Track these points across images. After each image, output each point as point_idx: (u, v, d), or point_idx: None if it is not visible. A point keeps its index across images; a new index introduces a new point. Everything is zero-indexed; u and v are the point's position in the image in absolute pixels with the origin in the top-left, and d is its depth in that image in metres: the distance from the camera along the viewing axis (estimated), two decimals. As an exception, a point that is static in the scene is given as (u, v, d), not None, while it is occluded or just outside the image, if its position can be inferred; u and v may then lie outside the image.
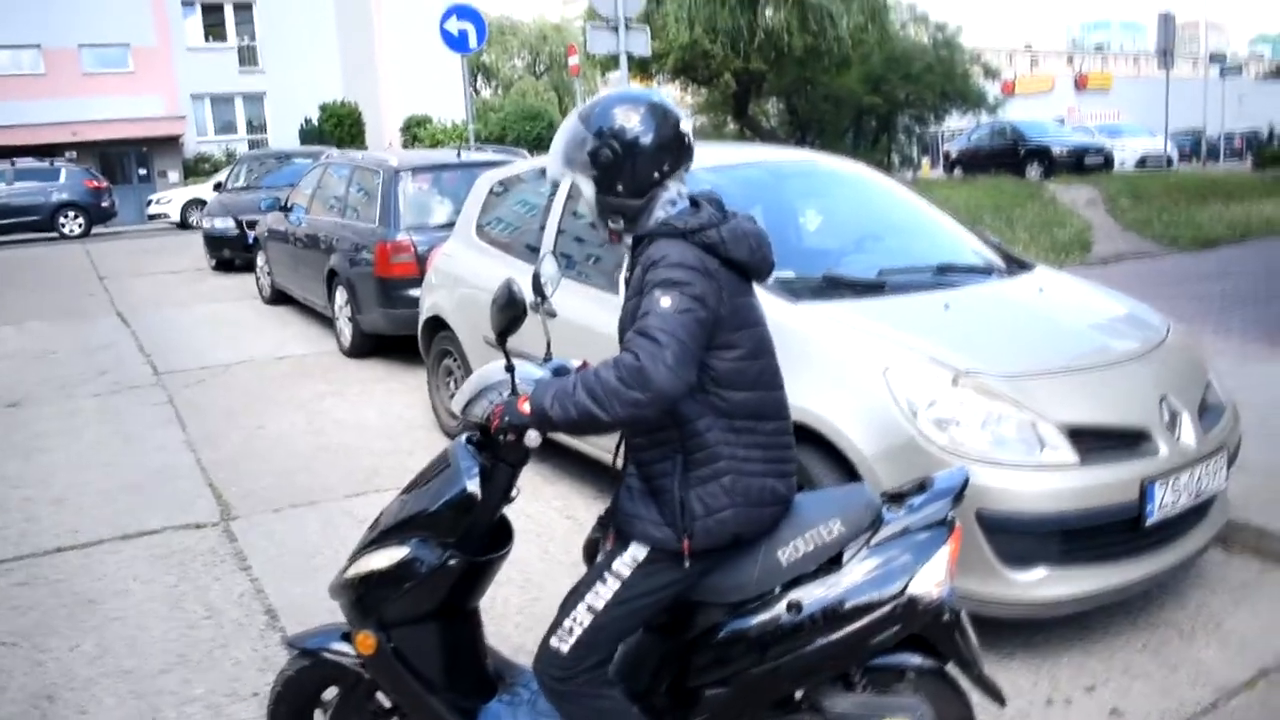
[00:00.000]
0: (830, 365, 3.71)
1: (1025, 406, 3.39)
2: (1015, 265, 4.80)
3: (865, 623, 2.29)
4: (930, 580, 2.30)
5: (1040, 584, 3.33)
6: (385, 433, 6.46)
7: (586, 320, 4.74)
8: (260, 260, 11.62)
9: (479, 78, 50.55)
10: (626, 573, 2.31)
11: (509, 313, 2.44)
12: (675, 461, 2.29)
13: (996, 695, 2.42)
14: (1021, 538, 3.29)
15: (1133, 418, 3.54)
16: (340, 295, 8.73)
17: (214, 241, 14.39)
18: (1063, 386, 3.56)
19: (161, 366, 8.58)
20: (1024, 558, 3.31)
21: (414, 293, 7.18)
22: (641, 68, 22.43)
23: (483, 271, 5.78)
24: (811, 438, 3.60)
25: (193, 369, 8.44)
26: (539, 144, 31.65)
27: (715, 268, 2.21)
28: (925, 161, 35.16)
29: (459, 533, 2.45)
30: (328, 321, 9.39)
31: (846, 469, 3.49)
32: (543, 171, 5.74)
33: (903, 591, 2.29)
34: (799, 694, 2.43)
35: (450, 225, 7.05)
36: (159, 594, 4.24)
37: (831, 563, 2.35)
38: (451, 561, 2.45)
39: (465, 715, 2.57)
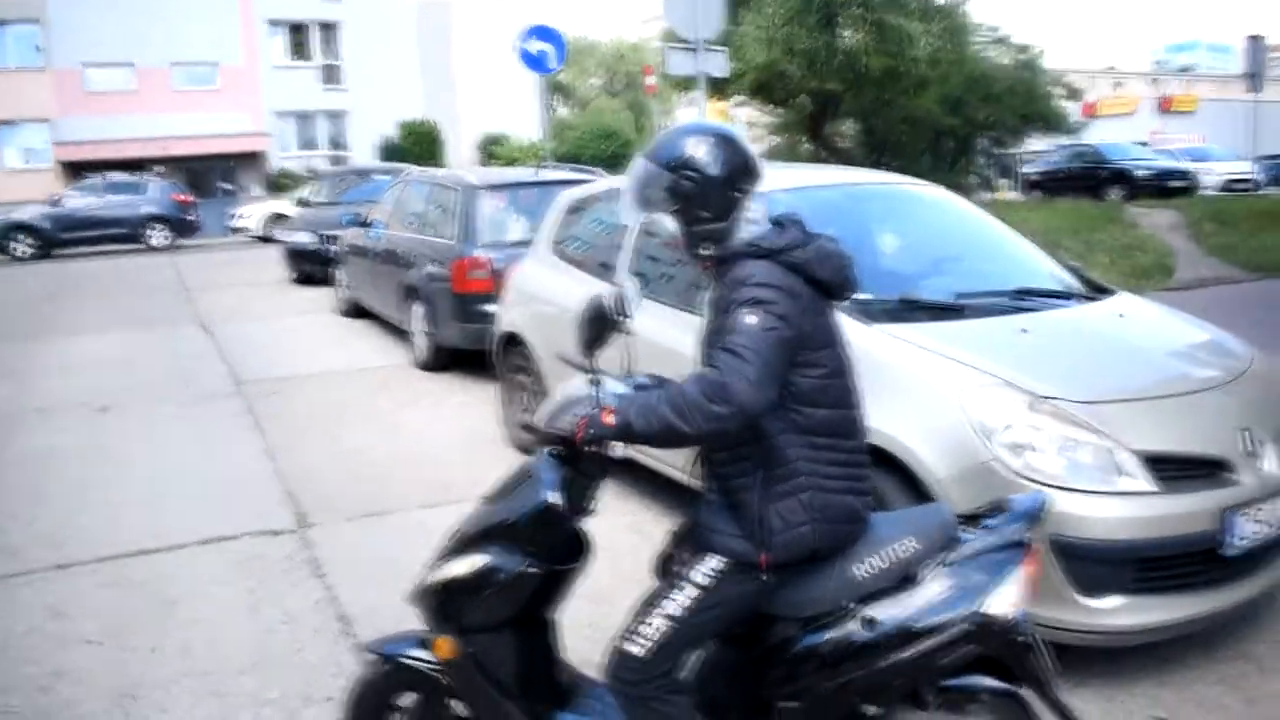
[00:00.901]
0: (905, 388, 3.68)
1: (1102, 433, 3.34)
2: (1094, 290, 4.73)
3: (938, 641, 2.30)
4: (1005, 601, 2.30)
5: (1115, 612, 3.27)
6: (457, 445, 6.55)
7: (662, 339, 4.75)
8: (340, 274, 11.86)
9: (555, 96, 51.12)
10: (705, 582, 2.35)
11: (597, 327, 2.50)
12: (755, 476, 2.33)
13: (1070, 718, 2.39)
14: (1097, 565, 3.24)
15: (1213, 447, 3.47)
16: (417, 309, 8.87)
17: (295, 255, 14.71)
18: (1141, 414, 3.50)
19: (242, 376, 8.80)
20: (1099, 585, 3.26)
21: (489, 308, 7.26)
22: (717, 88, 22.48)
23: (559, 289, 5.84)
24: (884, 460, 3.59)
25: (272, 379, 8.64)
26: (614, 162, 31.86)
27: (800, 287, 2.28)
28: (1004, 184, 34.69)
29: (538, 543, 2.50)
30: (403, 335, 9.55)
31: (919, 493, 3.46)
32: (619, 191, 5.83)
33: (976, 611, 2.29)
34: (871, 710, 2.43)
35: (526, 243, 7.14)
36: (238, 598, 4.35)
37: (906, 580, 2.36)
38: (531, 570, 2.50)
39: None
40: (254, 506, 5.47)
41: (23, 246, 24.35)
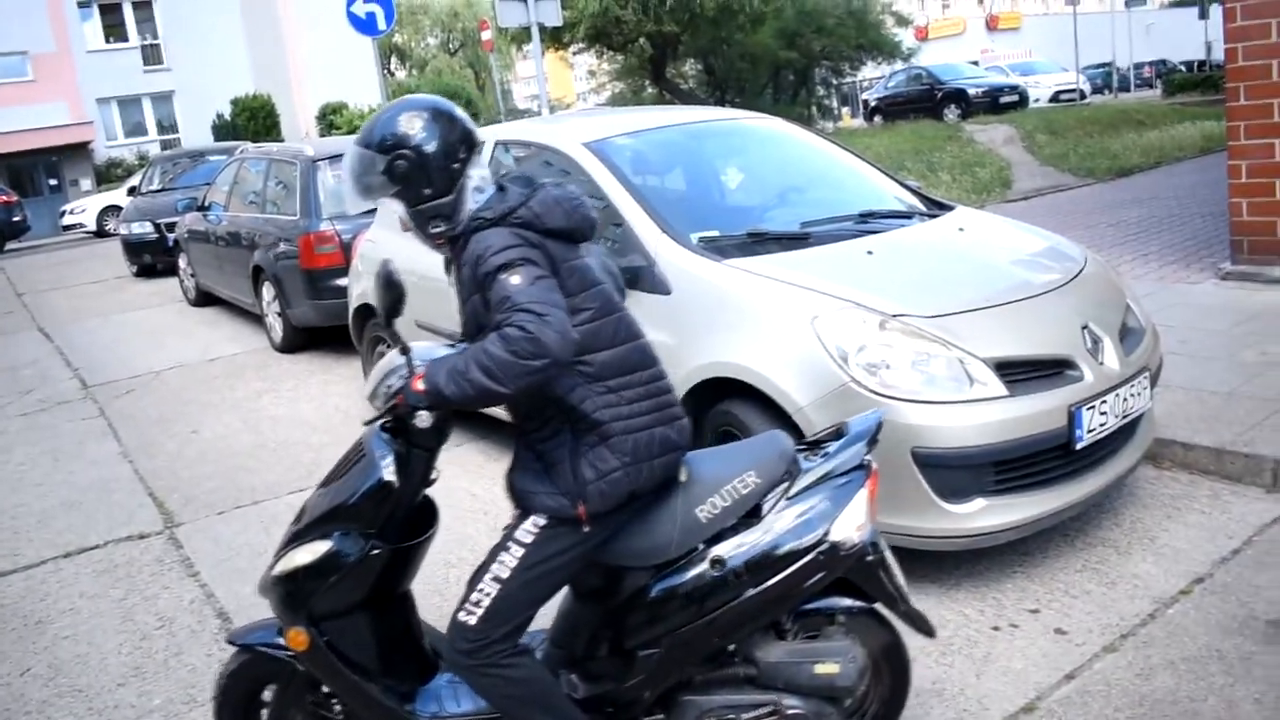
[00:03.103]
0: (759, 319, 3.75)
1: (952, 345, 3.46)
2: (936, 207, 4.87)
3: (790, 572, 2.34)
4: (851, 524, 2.35)
5: (979, 514, 3.42)
6: (323, 426, 6.40)
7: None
8: (182, 263, 11.40)
9: (392, 59, 49.79)
10: (529, 540, 2.35)
11: (392, 294, 2.44)
12: (563, 435, 2.34)
13: (924, 628, 2.51)
14: (957, 471, 3.38)
15: (1057, 347, 3.63)
16: (267, 291, 8.59)
17: (133, 247, 14.07)
18: (988, 323, 3.63)
19: (90, 379, 8.40)
20: (961, 491, 3.40)
21: (341, 282, 7.10)
22: (554, 38, 22.24)
23: (407, 254, 5.72)
24: (745, 391, 3.66)
25: (123, 379, 8.28)
26: (459, 123, 31.28)
27: (536, 240, 2.28)
28: (845, 112, 35.34)
29: (380, 522, 2.46)
30: (257, 319, 9.25)
31: (782, 420, 3.53)
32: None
33: (824, 538, 2.34)
34: (732, 647, 2.47)
35: (373, 212, 6.95)
36: (108, 608, 4.18)
37: (751, 515, 2.39)
38: (375, 552, 2.47)
39: (404, 699, 2.59)
40: (116, 512, 5.26)
41: None
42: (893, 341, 3.47)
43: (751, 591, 2.34)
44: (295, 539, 2.55)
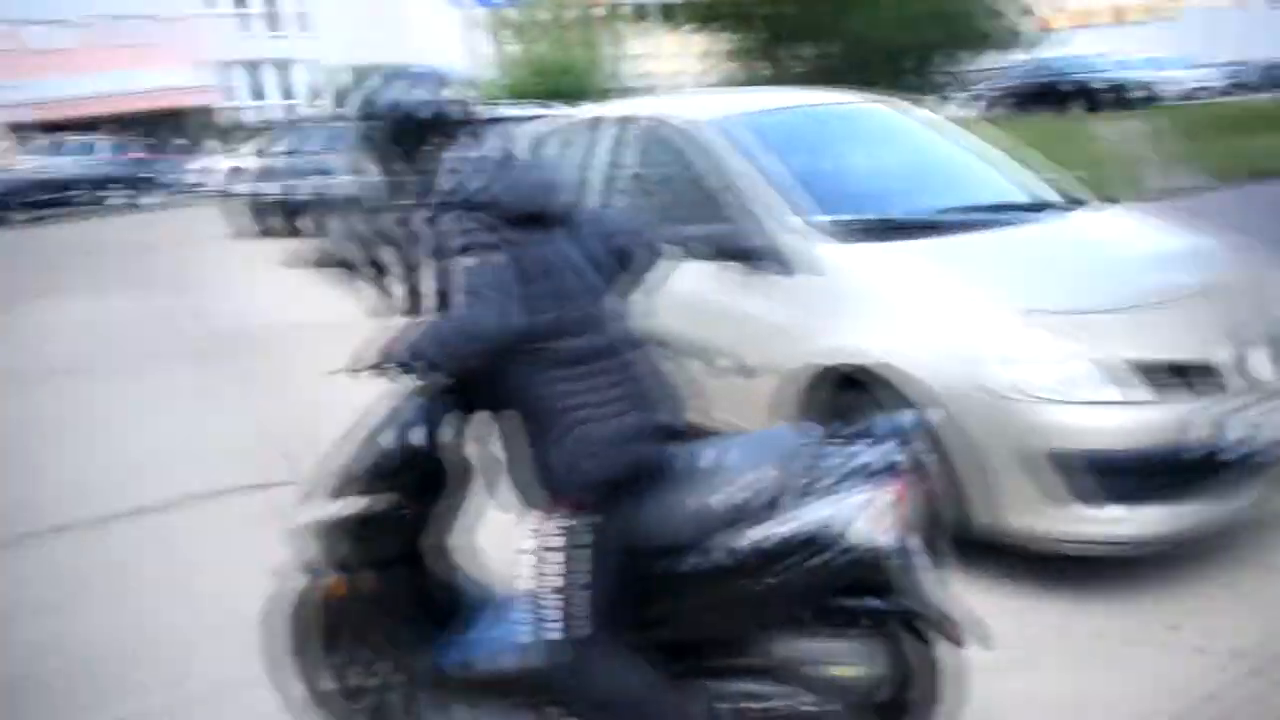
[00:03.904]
0: (888, 309, 3.68)
1: (1094, 344, 3.34)
2: (1072, 201, 4.73)
3: (802, 569, 2.28)
4: (871, 526, 2.26)
5: (1116, 522, 3.30)
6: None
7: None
8: (304, 225, 11.69)
9: (503, 31, 50.20)
10: (559, 543, 2.34)
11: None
12: (528, 427, 2.34)
13: (953, 637, 2.36)
14: (1095, 475, 3.26)
15: (1202, 352, 3.47)
16: (389, 255, 8.75)
17: (258, 208, 14.49)
18: (1129, 323, 3.50)
19: (220, 332, 8.70)
20: (1099, 495, 3.28)
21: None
22: (667, 17, 22.16)
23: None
24: (866, 381, 3.60)
25: (246, 334, 8.53)
26: (566, 98, 31.44)
27: (495, 224, 2.26)
28: (964, 102, 34.50)
29: (406, 481, 2.55)
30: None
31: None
32: (583, 124, 5.74)
33: (841, 538, 2.26)
34: (750, 637, 2.45)
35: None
36: (241, 552, 4.25)
37: (770, 507, 2.33)
38: (403, 511, 2.57)
39: (433, 647, 2.68)
40: (250, 461, 5.41)
41: (-32, 215, 23.78)
42: (1032, 338, 3.37)
43: (762, 585, 2.30)
44: (334, 492, 2.64)
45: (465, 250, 2.22)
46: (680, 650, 2.46)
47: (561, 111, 9.44)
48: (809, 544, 2.26)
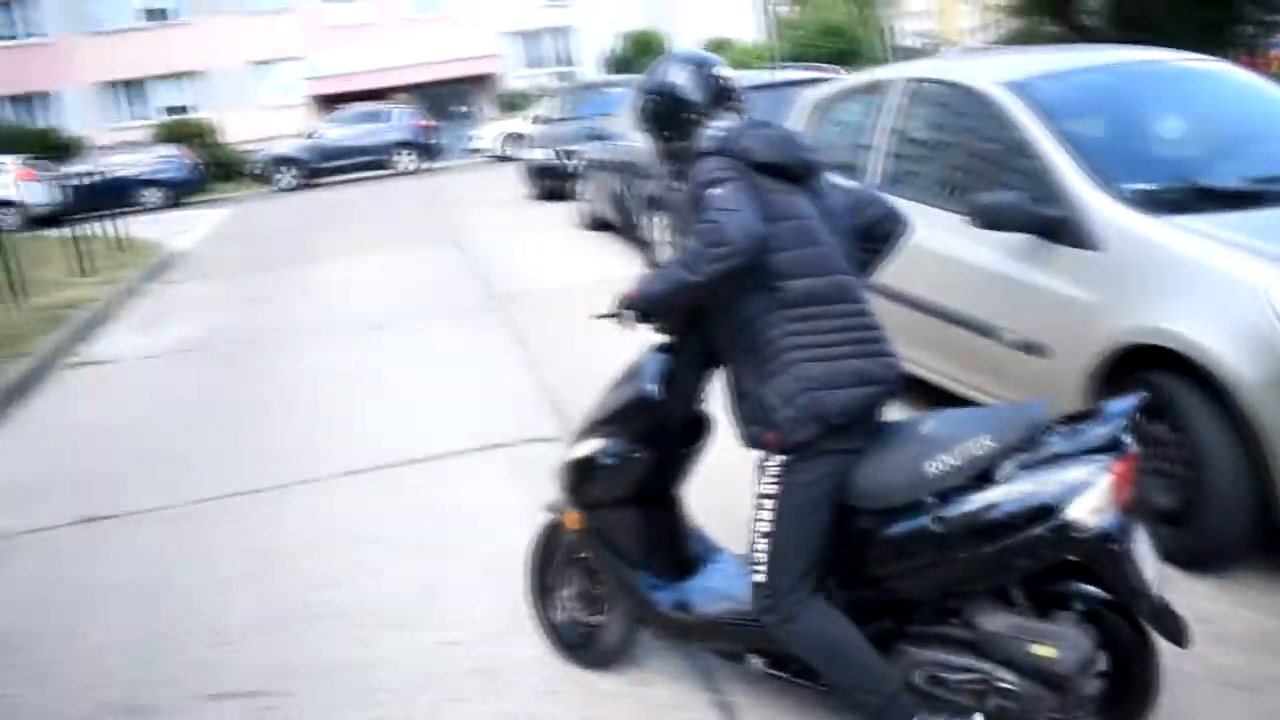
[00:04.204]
0: (1198, 285, 3.41)
1: None
2: None
3: (1010, 543, 2.27)
4: (1086, 507, 2.21)
5: None
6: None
7: (934, 244, 4.60)
8: (580, 188, 12.08)
9: (777, -5, 49.72)
10: (774, 489, 2.49)
11: (622, 212, 2.77)
12: (748, 363, 2.51)
13: (1173, 635, 2.30)
14: None
15: None
16: (659, 219, 8.93)
17: (535, 172, 15.09)
18: None
19: (495, 290, 9.17)
20: None
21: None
22: (952, -28, 21.17)
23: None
24: (1176, 362, 3.35)
25: (523, 293, 8.95)
26: (840, 60, 30.80)
27: (743, 169, 2.47)
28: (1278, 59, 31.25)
29: (640, 429, 2.77)
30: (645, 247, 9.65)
31: (1219, 397, 3.22)
32: (868, 87, 5.62)
33: (1053, 516, 2.22)
34: (957, 607, 2.44)
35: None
36: (520, 501, 4.50)
37: (983, 479, 2.32)
38: (635, 455, 2.78)
39: (653, 588, 2.88)
40: (521, 415, 5.69)
41: (286, 178, 26.26)
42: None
43: (968, 554, 2.31)
44: (582, 434, 2.92)
45: (711, 184, 2.43)
46: (885, 612, 2.52)
47: (836, 74, 9.28)
48: (1021, 519, 2.26)
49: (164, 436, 6.15)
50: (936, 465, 2.35)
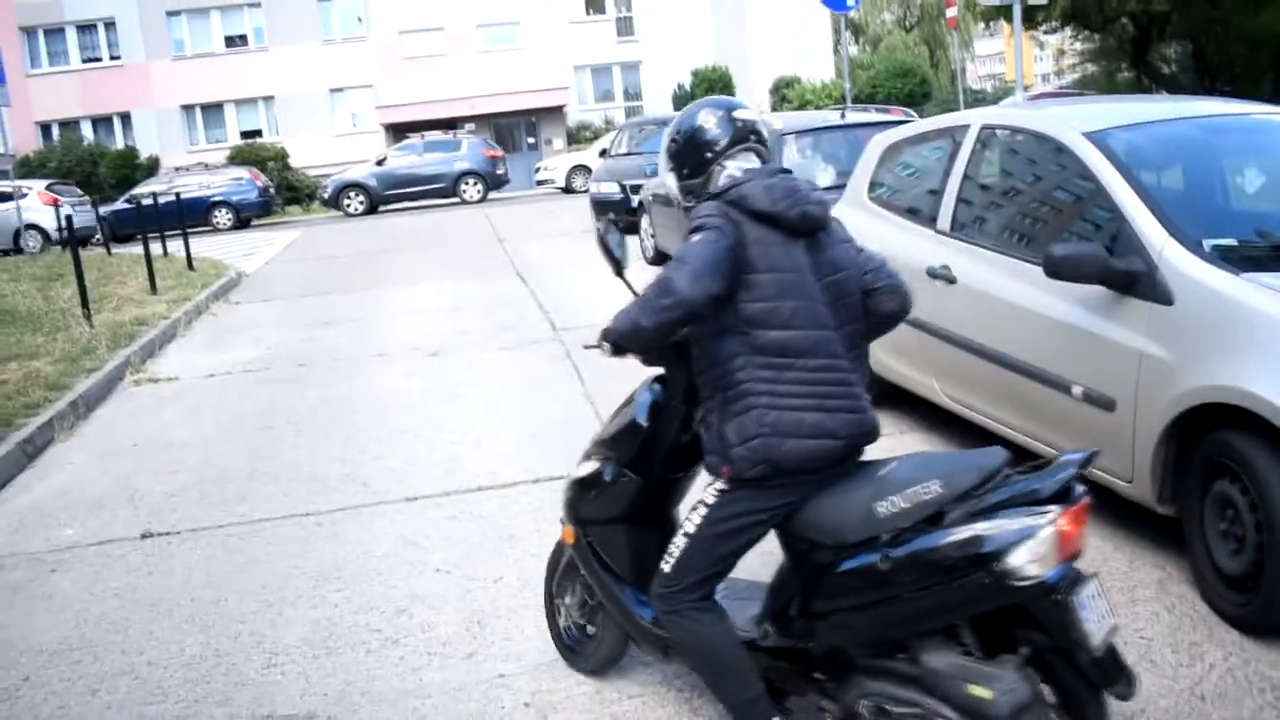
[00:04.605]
0: (1275, 343, 3.30)
1: None
2: None
3: (951, 586, 2.35)
4: (1028, 556, 2.25)
5: None
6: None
7: (989, 287, 4.55)
8: (644, 223, 12.12)
9: (847, 34, 49.87)
10: (711, 501, 2.67)
11: (605, 251, 3.07)
12: (718, 398, 2.62)
13: (1112, 686, 2.35)
14: None
15: None
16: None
17: (600, 205, 15.20)
18: None
19: (558, 322, 9.20)
20: None
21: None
22: (1026, 16, 21.13)
23: (873, 236, 5.67)
24: (1252, 423, 3.26)
25: (586, 326, 8.95)
26: (910, 101, 30.73)
27: (738, 216, 2.58)
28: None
29: (631, 455, 2.97)
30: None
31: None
32: (940, 132, 5.58)
33: (993, 563, 2.28)
34: (904, 642, 2.52)
35: (834, 189, 6.98)
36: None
37: (934, 521, 2.40)
38: (625, 478, 2.98)
39: (641, 604, 2.98)
40: (579, 449, 5.64)
41: (354, 204, 26.71)
42: None
43: (912, 593, 2.40)
44: (585, 455, 3.12)
45: (697, 230, 2.57)
46: (840, 644, 2.63)
47: (907, 116, 9.23)
48: (963, 563, 2.33)
49: (224, 455, 6.23)
50: (887, 506, 2.44)
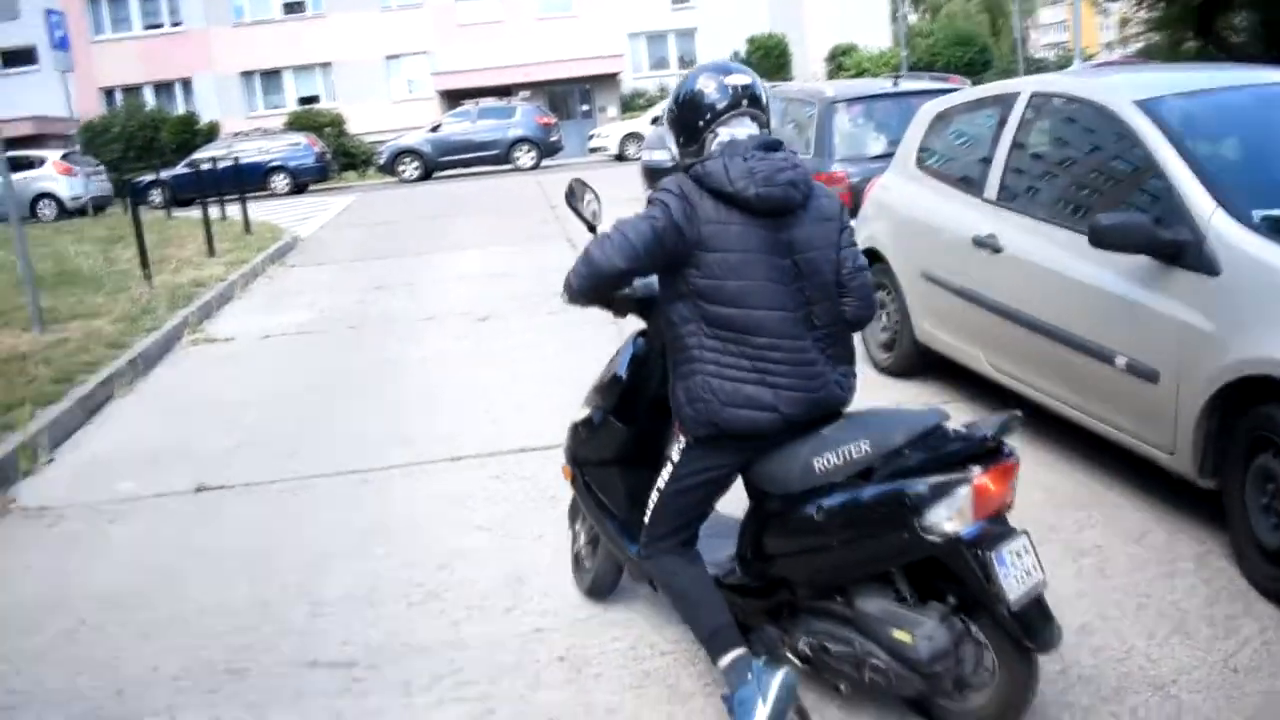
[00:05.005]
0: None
1: None
2: None
3: (876, 539, 2.54)
4: (945, 514, 2.40)
5: None
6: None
7: (1035, 256, 4.51)
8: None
9: (905, 1, 49.06)
10: (675, 457, 2.85)
11: (572, 205, 3.24)
12: (674, 359, 2.77)
13: (1031, 639, 2.45)
14: None
15: None
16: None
17: (651, 172, 15.11)
18: None
19: (605, 289, 9.21)
20: None
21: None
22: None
23: (921, 204, 5.66)
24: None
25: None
26: (969, 70, 30.22)
27: (695, 194, 2.62)
28: None
29: (614, 402, 3.20)
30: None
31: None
32: (991, 100, 5.51)
33: (910, 518, 2.43)
34: (844, 586, 2.70)
35: (884, 157, 6.95)
36: None
37: (862, 476, 2.58)
38: (613, 424, 3.20)
39: (631, 539, 3.14)
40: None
41: (409, 169, 26.94)
42: None
43: (840, 543, 2.60)
44: (583, 401, 3.35)
45: (649, 202, 2.64)
46: (790, 585, 2.82)
47: (961, 84, 9.10)
48: (884, 516, 2.50)
49: (277, 413, 6.38)
50: (822, 462, 2.62)
